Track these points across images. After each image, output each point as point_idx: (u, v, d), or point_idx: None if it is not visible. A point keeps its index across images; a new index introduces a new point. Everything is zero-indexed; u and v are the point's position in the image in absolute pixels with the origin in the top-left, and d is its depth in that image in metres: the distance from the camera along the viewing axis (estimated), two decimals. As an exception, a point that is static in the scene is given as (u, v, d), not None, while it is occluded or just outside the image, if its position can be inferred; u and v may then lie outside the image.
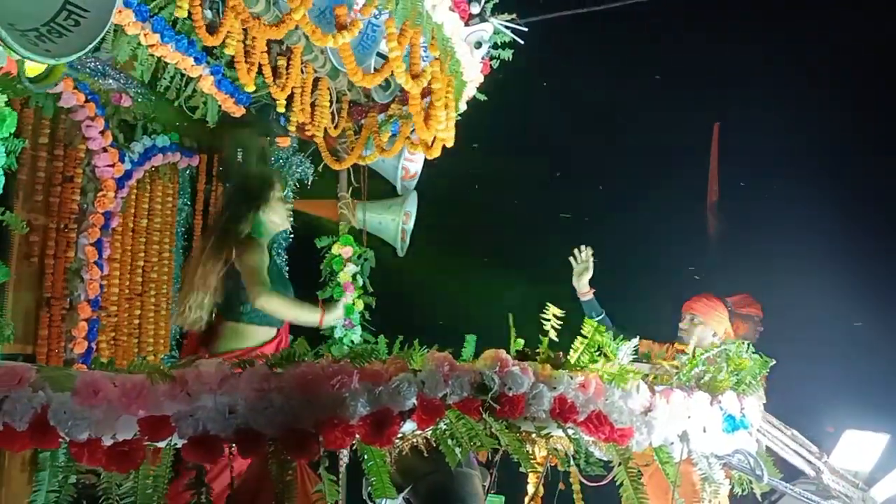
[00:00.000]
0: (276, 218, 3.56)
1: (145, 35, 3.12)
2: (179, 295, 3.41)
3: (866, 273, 4.78)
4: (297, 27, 3.07)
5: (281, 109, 3.63)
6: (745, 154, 5.65)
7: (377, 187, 4.81)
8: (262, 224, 3.50)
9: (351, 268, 4.67)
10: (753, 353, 2.74)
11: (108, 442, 1.95)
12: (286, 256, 4.70)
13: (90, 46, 2.19)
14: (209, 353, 3.14)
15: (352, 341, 4.53)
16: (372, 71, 3.37)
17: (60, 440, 1.95)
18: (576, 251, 3.90)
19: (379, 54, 3.65)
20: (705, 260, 5.36)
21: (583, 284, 3.82)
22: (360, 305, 4.68)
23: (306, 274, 4.79)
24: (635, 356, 2.51)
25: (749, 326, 4.05)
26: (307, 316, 3.43)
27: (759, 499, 2.89)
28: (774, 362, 2.79)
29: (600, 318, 3.72)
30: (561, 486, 2.62)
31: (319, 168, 4.67)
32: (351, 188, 4.79)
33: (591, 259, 3.86)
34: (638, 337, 2.50)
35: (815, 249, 4.86)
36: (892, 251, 4.91)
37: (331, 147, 4.37)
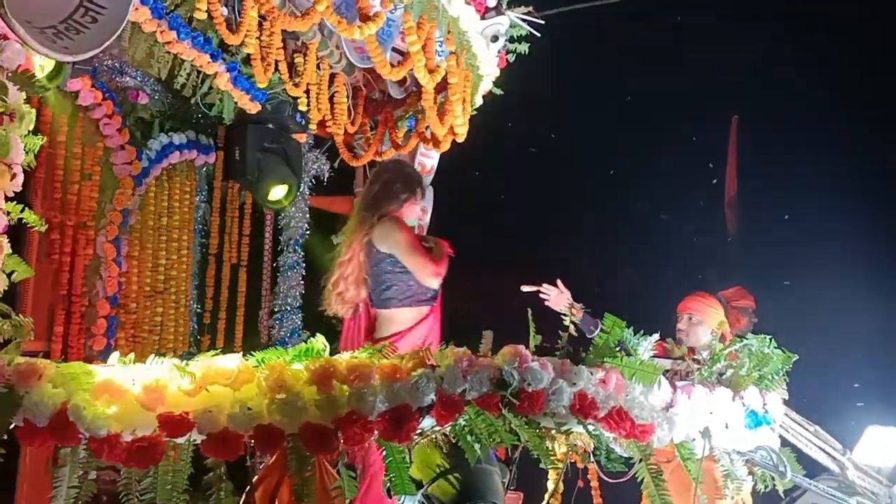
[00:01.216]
0: (412, 214, 3.42)
1: (161, 32, 3.12)
2: (329, 280, 3.28)
3: (890, 266, 4.71)
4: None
5: (303, 107, 3.62)
6: (760, 147, 5.59)
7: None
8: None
9: (367, 264, 4.66)
10: (776, 348, 2.70)
11: (127, 438, 1.95)
12: (303, 253, 4.70)
13: (107, 43, 2.19)
14: (372, 342, 3.08)
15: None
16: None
17: (80, 436, 1.95)
18: (543, 290, 3.51)
19: (394, 49, 3.64)
20: (723, 254, 5.31)
21: (563, 308, 3.43)
22: (376, 301, 4.67)
23: (323, 270, 4.79)
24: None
25: (747, 319, 3.97)
26: None
27: (782, 495, 2.85)
28: (797, 357, 2.75)
29: (595, 334, 3.57)
30: (580, 483, 2.60)
31: (335, 164, 4.67)
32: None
33: (554, 287, 3.51)
34: (658, 333, 2.47)
35: (837, 243, 4.80)
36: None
37: (347, 143, 4.36)
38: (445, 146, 3.77)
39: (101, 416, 1.93)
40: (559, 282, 3.49)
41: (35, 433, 1.93)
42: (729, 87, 5.49)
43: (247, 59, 3.31)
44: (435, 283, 3.10)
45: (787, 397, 3.01)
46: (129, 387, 1.99)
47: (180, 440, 1.97)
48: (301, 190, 4.62)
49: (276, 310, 4.60)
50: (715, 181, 5.69)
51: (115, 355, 2.11)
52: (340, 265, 3.23)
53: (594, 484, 2.74)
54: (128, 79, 3.92)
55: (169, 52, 3.34)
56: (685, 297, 3.86)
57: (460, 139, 3.73)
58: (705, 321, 3.72)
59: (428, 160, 4.74)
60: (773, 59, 5.47)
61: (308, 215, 4.71)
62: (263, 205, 4.58)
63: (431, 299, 3.15)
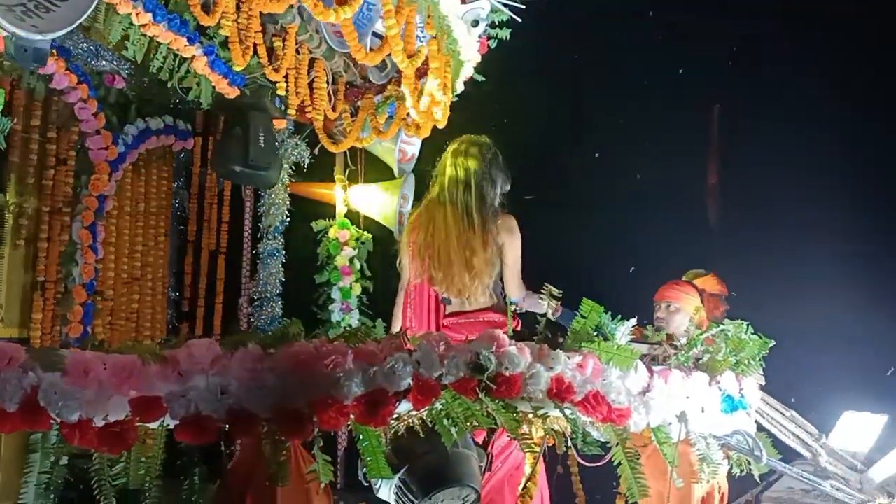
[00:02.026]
0: None
1: (137, 14, 3.07)
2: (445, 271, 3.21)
3: (866, 254, 4.76)
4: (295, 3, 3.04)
5: (282, 92, 3.58)
6: (741, 137, 5.62)
7: (374, 170, 4.78)
8: None
9: (348, 251, 4.65)
10: (752, 333, 2.72)
11: (99, 423, 1.92)
12: (283, 240, 4.67)
13: (77, 22, 2.15)
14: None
15: (349, 325, 4.51)
16: (368, 50, 3.33)
17: (51, 421, 1.92)
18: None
19: (375, 34, 3.61)
20: (704, 243, 5.33)
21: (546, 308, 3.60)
22: (357, 289, 4.66)
23: (303, 258, 4.77)
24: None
25: (723, 306, 4.01)
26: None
27: (758, 479, 2.88)
28: (774, 343, 2.77)
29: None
30: (559, 468, 2.61)
31: (316, 150, 4.63)
32: (348, 170, 4.76)
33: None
34: (636, 319, 2.48)
35: (815, 231, 4.83)
36: (892, 234, 4.89)
37: (328, 129, 4.33)
38: (427, 131, 3.75)
39: (73, 400, 1.91)
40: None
41: (5, 418, 1.90)
42: (711, 77, 5.50)
43: (225, 43, 3.26)
44: (516, 297, 3.12)
45: (763, 382, 3.04)
46: (102, 371, 1.96)
47: (153, 425, 1.95)
48: (281, 176, 4.58)
49: (255, 297, 4.57)
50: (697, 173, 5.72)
51: (87, 341, 2.08)
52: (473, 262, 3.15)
53: (574, 470, 2.75)
54: (103, 62, 3.86)
55: (145, 35, 3.29)
56: (662, 287, 3.89)
57: (441, 125, 3.72)
58: (683, 308, 3.76)
59: (409, 147, 4.72)
60: (757, 51, 5.49)
61: (288, 202, 4.68)
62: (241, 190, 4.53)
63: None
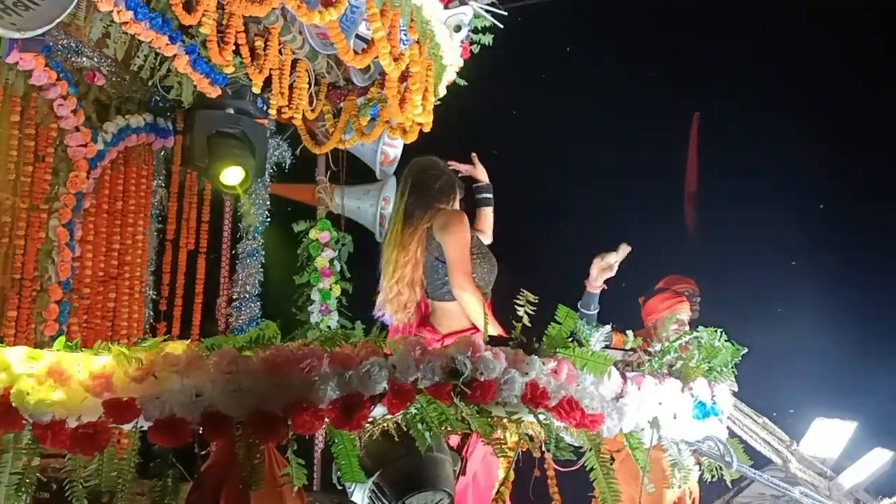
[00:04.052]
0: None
1: (118, 12, 3.06)
2: (384, 283, 3.11)
3: (838, 263, 4.84)
4: (278, 5, 3.04)
5: (256, 90, 3.58)
6: (724, 144, 5.69)
7: (356, 171, 4.79)
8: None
9: (328, 253, 4.66)
10: (726, 340, 2.75)
11: (72, 424, 1.92)
12: (262, 241, 4.67)
13: (57, 20, 2.14)
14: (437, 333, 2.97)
15: (328, 327, 4.51)
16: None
17: (24, 422, 1.91)
18: (623, 247, 3.52)
19: (358, 36, 3.62)
20: (675, 252, 5.38)
21: (600, 278, 3.54)
22: (337, 291, 4.67)
23: (283, 258, 4.76)
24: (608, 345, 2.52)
25: (694, 303, 4.02)
26: (481, 326, 2.87)
27: (730, 485, 2.91)
28: (746, 350, 2.80)
29: (594, 313, 3.60)
30: (536, 472, 2.62)
31: (297, 151, 4.63)
32: (329, 172, 4.77)
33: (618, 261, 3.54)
34: (611, 325, 2.50)
35: (788, 238, 4.91)
36: (867, 240, 4.97)
37: (310, 130, 4.33)
38: (413, 136, 3.77)
39: (46, 401, 1.90)
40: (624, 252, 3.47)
41: (-24, 418, 1.89)
42: (693, 84, 5.57)
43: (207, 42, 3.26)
44: (457, 289, 2.96)
45: (736, 389, 3.08)
46: (75, 372, 1.95)
47: (127, 427, 1.95)
48: (262, 177, 4.57)
49: (234, 297, 4.56)
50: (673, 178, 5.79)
51: (60, 340, 2.07)
52: (397, 268, 3.07)
53: (550, 474, 2.77)
54: (84, 59, 3.83)
55: (126, 33, 3.28)
56: (644, 307, 3.92)
57: (426, 129, 3.73)
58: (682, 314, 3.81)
59: (392, 149, 4.74)
60: (738, 57, 5.56)
61: (269, 202, 4.67)
62: (220, 191, 4.52)
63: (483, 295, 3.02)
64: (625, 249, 3.49)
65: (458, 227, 3.02)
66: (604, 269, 3.48)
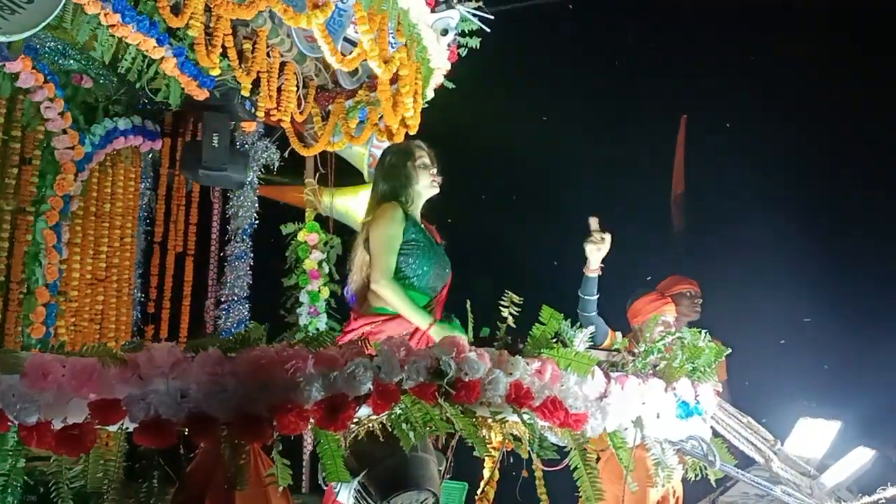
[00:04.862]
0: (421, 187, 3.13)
1: (106, 15, 3.06)
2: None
3: (822, 264, 4.88)
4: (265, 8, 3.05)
5: (245, 93, 3.60)
6: (707, 147, 5.73)
7: (344, 174, 4.80)
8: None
9: (317, 255, 4.67)
10: (710, 341, 2.78)
11: (58, 425, 1.92)
12: (251, 243, 4.67)
13: (43, 24, 2.15)
14: (359, 314, 2.98)
15: (317, 329, 4.52)
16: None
17: (9, 423, 1.92)
18: (591, 220, 3.45)
19: (346, 39, 3.64)
20: (661, 253, 5.42)
21: (596, 259, 3.47)
22: (325, 293, 4.68)
23: (272, 261, 4.77)
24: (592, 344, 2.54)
25: (685, 303, 4.01)
26: (416, 318, 2.91)
27: (714, 484, 2.94)
28: (730, 351, 2.83)
29: (595, 297, 3.57)
30: (524, 473, 2.64)
31: (285, 153, 4.64)
32: (318, 174, 4.78)
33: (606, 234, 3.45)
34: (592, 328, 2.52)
35: (772, 242, 4.95)
36: (846, 244, 5.02)
37: (298, 132, 4.34)
38: (400, 137, 3.79)
39: (31, 402, 1.90)
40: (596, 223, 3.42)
41: (-38, 420, 1.89)
42: (679, 86, 5.61)
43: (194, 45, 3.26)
44: (373, 284, 2.93)
45: (720, 389, 3.10)
46: (61, 373, 1.96)
47: (112, 428, 1.95)
48: (250, 179, 4.58)
49: (222, 300, 4.56)
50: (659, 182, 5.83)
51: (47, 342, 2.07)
52: (354, 250, 3.09)
53: (538, 474, 2.79)
54: (71, 62, 3.83)
55: (113, 36, 3.28)
56: (629, 309, 3.93)
57: (413, 131, 3.76)
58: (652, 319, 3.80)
59: (379, 152, 4.75)
60: (726, 61, 5.61)
61: (257, 204, 4.68)
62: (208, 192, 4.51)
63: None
64: (594, 221, 3.44)
65: (379, 222, 2.98)
66: (596, 244, 3.43)
